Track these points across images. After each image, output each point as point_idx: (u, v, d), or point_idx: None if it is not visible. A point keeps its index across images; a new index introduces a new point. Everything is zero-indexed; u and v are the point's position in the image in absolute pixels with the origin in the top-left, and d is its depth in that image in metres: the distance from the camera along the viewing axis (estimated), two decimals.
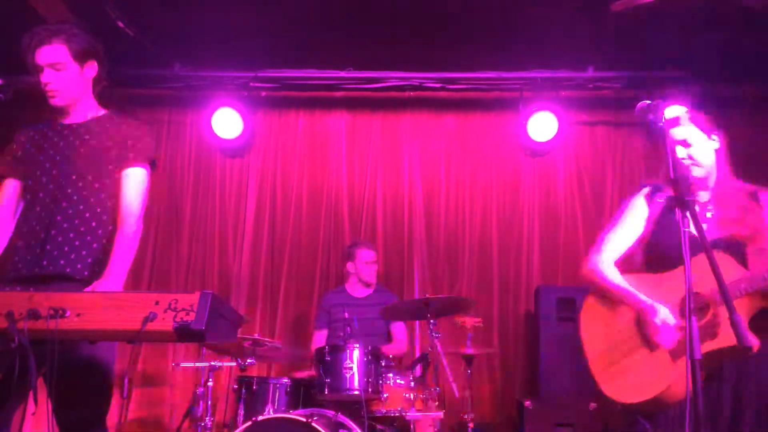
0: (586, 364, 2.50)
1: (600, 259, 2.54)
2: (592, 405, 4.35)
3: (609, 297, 2.49)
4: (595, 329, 2.52)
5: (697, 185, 2.45)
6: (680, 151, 2.40)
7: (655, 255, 2.48)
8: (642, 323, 2.34)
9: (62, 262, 2.32)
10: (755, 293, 2.16)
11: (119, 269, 2.32)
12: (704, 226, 2.35)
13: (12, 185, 2.51)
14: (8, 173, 2.53)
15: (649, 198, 2.56)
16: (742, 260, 2.27)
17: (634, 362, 2.34)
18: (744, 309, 2.13)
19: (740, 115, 5.25)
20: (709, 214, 2.44)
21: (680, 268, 2.25)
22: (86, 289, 2.21)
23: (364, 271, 4.73)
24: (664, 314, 2.26)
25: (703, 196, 2.48)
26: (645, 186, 2.64)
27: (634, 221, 2.56)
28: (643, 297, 2.34)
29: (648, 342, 2.32)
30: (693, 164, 2.41)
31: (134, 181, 2.48)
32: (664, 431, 2.23)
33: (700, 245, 2.22)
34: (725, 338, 2.13)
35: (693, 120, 2.44)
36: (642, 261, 2.56)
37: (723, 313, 2.14)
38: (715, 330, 2.17)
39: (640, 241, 2.55)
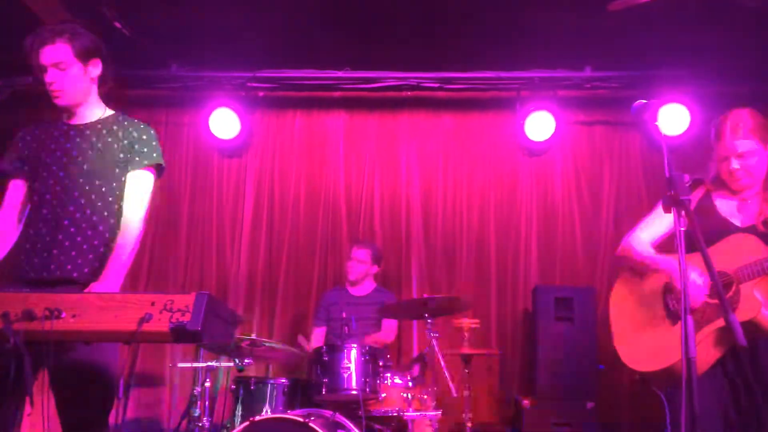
0: (610, 339, 2.63)
1: (635, 236, 2.63)
2: (590, 404, 4.35)
3: (640, 271, 2.60)
4: (622, 305, 2.65)
5: (744, 187, 2.51)
6: (734, 162, 2.44)
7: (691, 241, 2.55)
8: (668, 293, 2.46)
9: (69, 266, 2.31)
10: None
11: (117, 271, 2.31)
12: (739, 216, 2.50)
13: (18, 186, 2.50)
14: (14, 174, 2.51)
15: (691, 188, 2.58)
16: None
17: (654, 333, 2.47)
18: (760, 283, 2.28)
19: None
20: (743, 208, 2.52)
21: (713, 247, 2.36)
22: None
23: (346, 265, 4.79)
24: (694, 276, 2.34)
25: (748, 192, 2.55)
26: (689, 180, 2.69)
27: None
28: (667, 259, 2.44)
29: (671, 314, 2.43)
30: (745, 176, 2.46)
31: (139, 184, 2.47)
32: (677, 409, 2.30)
33: (726, 231, 2.42)
34: (743, 312, 2.26)
35: (754, 131, 2.45)
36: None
37: (745, 289, 2.31)
38: (734, 305, 2.29)
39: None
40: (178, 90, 5.43)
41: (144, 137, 2.51)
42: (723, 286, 2.26)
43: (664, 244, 2.64)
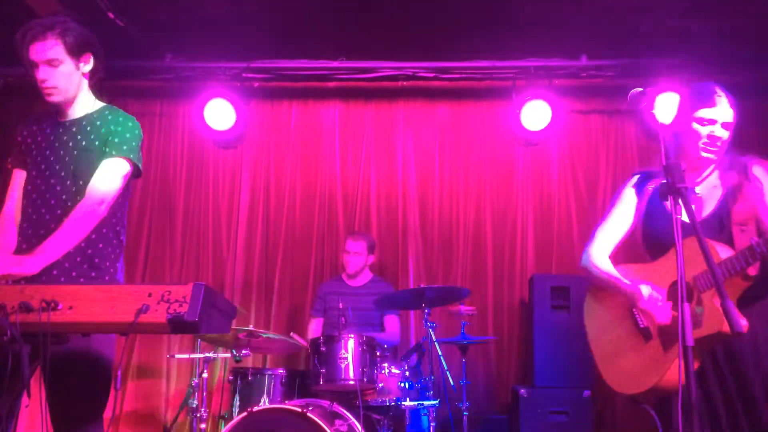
0: (592, 359, 2.55)
1: (591, 252, 2.57)
2: (586, 393, 4.37)
3: (603, 289, 2.53)
4: (595, 323, 2.58)
5: (704, 167, 2.42)
6: (703, 130, 2.35)
7: (648, 243, 2.50)
8: (636, 309, 2.36)
9: (55, 272, 2.25)
10: (738, 274, 2.14)
11: (53, 249, 2.18)
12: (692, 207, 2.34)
13: (22, 176, 2.47)
14: (18, 165, 2.50)
15: (638, 187, 2.56)
16: (729, 239, 2.26)
17: (630, 353, 2.37)
18: (730, 290, 2.07)
19: (735, 102, 5.26)
20: (698, 190, 2.41)
21: (668, 254, 2.30)
22: (9, 256, 2.18)
23: (344, 259, 4.79)
24: (647, 292, 2.28)
25: (695, 174, 2.44)
26: (635, 174, 2.64)
27: (623, 211, 2.58)
28: (626, 281, 2.37)
29: (642, 331, 2.34)
30: (713, 149, 2.36)
31: (108, 167, 2.37)
32: (669, 420, 2.24)
33: (688, 230, 2.22)
34: (710, 325, 2.13)
35: (729, 101, 2.39)
36: (643, 248, 2.58)
37: (707, 299, 2.17)
38: (699, 318, 2.17)
39: (633, 230, 2.56)
40: (172, 81, 5.40)
41: (120, 129, 2.42)
42: (687, 297, 2.17)
43: (625, 249, 2.63)
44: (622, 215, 2.58)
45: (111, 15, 4.52)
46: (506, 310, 5.26)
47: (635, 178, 2.61)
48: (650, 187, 2.52)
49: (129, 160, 2.41)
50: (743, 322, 1.95)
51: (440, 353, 3.86)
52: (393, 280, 5.18)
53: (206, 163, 5.58)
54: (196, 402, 3.94)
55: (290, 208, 5.49)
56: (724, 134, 2.36)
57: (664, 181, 1.92)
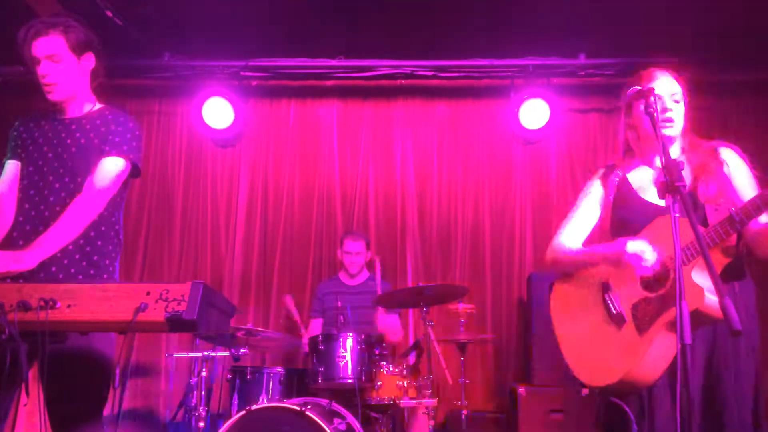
0: (560, 353, 2.47)
1: (559, 241, 2.54)
2: (585, 391, 4.37)
3: (575, 271, 2.47)
4: (564, 315, 2.51)
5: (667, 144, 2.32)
6: (668, 102, 2.30)
7: (617, 229, 2.42)
8: (608, 292, 2.29)
9: (53, 269, 2.26)
10: (717, 246, 2.07)
11: (48, 244, 2.19)
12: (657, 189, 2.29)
13: (16, 166, 2.47)
14: (12, 156, 2.49)
15: (604, 179, 2.51)
16: (703, 218, 2.20)
17: (602, 343, 2.29)
18: (695, 265, 2.08)
19: (732, 102, 5.28)
20: None
21: (638, 235, 2.23)
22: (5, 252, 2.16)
23: (345, 260, 4.78)
24: (632, 247, 2.16)
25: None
26: (600, 170, 2.58)
27: (590, 204, 2.54)
28: (604, 247, 2.32)
29: (614, 318, 2.25)
30: (670, 124, 2.30)
31: (105, 166, 2.38)
32: (641, 412, 2.15)
33: (658, 211, 2.23)
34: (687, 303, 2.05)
35: (673, 77, 2.35)
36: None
37: (684, 275, 2.05)
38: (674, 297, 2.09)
39: (602, 224, 2.51)
40: (170, 79, 5.40)
41: (120, 129, 2.44)
42: (657, 279, 2.16)
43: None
44: (589, 207, 2.54)
45: (109, 14, 4.52)
46: (504, 308, 5.26)
47: (600, 172, 2.57)
48: (615, 178, 2.47)
49: (128, 159, 2.42)
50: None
51: (439, 351, 3.86)
52: (391, 278, 5.18)
53: (204, 161, 5.57)
54: (194, 400, 3.94)
55: (288, 206, 5.49)
56: (676, 106, 2.32)
57: (663, 179, 1.90)
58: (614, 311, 2.26)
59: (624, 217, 2.39)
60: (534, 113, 5.15)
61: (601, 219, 2.51)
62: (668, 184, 1.86)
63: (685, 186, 1.84)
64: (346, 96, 5.61)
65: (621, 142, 2.50)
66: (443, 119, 5.56)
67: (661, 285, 2.15)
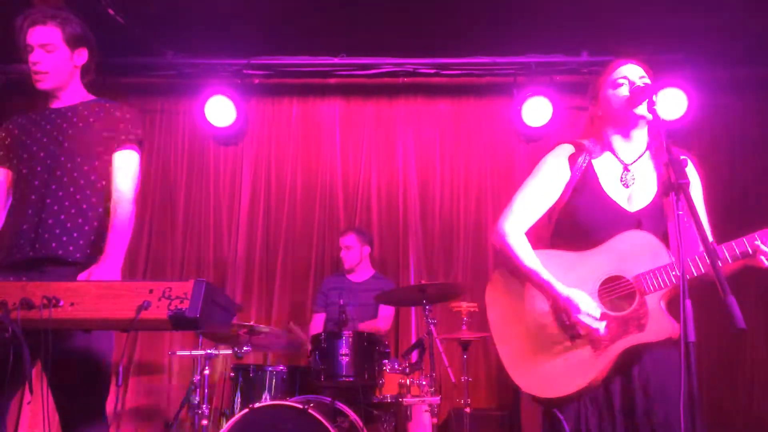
0: (496, 352, 2.21)
1: (510, 230, 2.19)
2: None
3: (519, 277, 2.20)
4: (504, 313, 2.24)
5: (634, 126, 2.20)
6: (623, 90, 2.18)
7: (570, 226, 2.20)
8: (559, 312, 2.07)
9: (54, 245, 2.32)
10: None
11: (116, 253, 2.32)
12: (627, 192, 2.17)
13: (2, 174, 2.51)
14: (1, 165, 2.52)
15: (572, 159, 2.23)
16: (664, 235, 2.06)
17: (553, 355, 2.07)
18: (666, 295, 1.98)
19: (736, 99, 5.27)
20: (632, 182, 2.18)
21: (602, 246, 2.08)
22: (82, 274, 2.22)
23: (341, 255, 4.79)
24: (586, 307, 2.00)
25: (629, 153, 2.22)
26: (565, 143, 2.30)
27: (550, 185, 2.23)
28: (558, 287, 2.05)
29: (567, 328, 2.05)
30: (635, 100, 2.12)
31: (125, 164, 2.48)
32: (577, 418, 2.03)
33: (629, 221, 2.09)
34: (654, 332, 1.96)
35: (637, 64, 2.26)
36: (553, 231, 2.27)
37: (652, 302, 1.97)
38: (642, 321, 1.97)
39: (554, 207, 2.24)
40: (173, 78, 5.41)
41: (126, 116, 2.52)
42: (624, 296, 2.03)
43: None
44: (549, 188, 2.22)
45: (111, 12, 4.52)
46: None
47: (568, 149, 2.27)
48: (581, 161, 2.21)
49: (137, 147, 2.53)
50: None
51: (441, 349, 3.86)
52: (394, 276, 5.18)
53: (207, 159, 5.58)
54: (197, 398, 3.95)
55: (291, 204, 5.48)
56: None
57: (666, 178, 1.88)
58: (568, 323, 2.04)
59: (583, 218, 2.17)
60: (536, 111, 5.15)
61: (557, 203, 2.23)
62: (671, 183, 1.83)
63: (689, 184, 1.81)
64: (348, 94, 5.61)
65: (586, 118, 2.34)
66: (445, 117, 5.56)
67: (624, 307, 2.03)
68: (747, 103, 5.28)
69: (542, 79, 5.17)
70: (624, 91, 2.18)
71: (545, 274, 2.09)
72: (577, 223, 2.18)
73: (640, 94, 2.11)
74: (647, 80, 2.20)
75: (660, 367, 1.99)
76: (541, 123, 5.18)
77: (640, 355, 2.00)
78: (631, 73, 2.22)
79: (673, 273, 1.96)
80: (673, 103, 4.90)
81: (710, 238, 1.94)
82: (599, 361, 2.00)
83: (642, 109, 2.11)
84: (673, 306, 1.96)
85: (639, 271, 2.01)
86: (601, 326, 1.99)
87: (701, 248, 1.91)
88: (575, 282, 2.07)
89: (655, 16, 4.56)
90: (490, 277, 2.34)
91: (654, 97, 2.07)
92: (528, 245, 2.18)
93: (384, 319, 4.61)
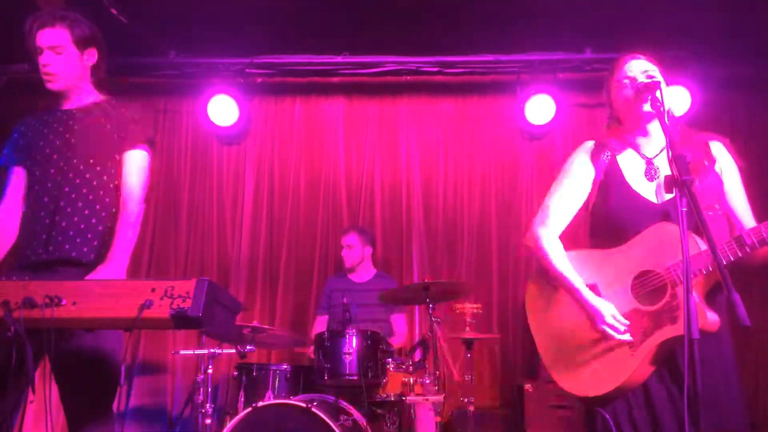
0: (538, 357, 2.29)
1: (544, 234, 2.27)
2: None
3: (551, 281, 2.26)
4: (543, 318, 2.31)
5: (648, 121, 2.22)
6: (627, 90, 2.24)
7: (603, 224, 2.24)
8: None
9: (67, 246, 2.33)
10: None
11: (122, 253, 2.34)
12: (652, 185, 2.18)
13: (18, 174, 2.52)
14: (11, 162, 2.53)
15: (595, 156, 2.29)
16: (695, 225, 1.97)
17: (590, 355, 2.12)
18: (700, 287, 1.96)
19: (741, 95, 5.25)
20: (656, 175, 2.20)
21: (632, 241, 2.10)
22: (91, 274, 2.23)
23: (342, 254, 4.78)
24: (610, 319, 2.05)
25: (650, 147, 2.24)
26: (587, 141, 2.38)
27: (578, 184, 2.29)
28: (586, 295, 2.11)
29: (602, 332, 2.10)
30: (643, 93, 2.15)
31: (135, 164, 2.49)
32: (621, 416, 2.05)
33: (657, 213, 2.10)
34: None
35: (646, 59, 2.30)
36: (590, 230, 2.31)
37: (682, 294, 1.91)
38: (674, 314, 1.97)
39: (585, 206, 2.29)
40: (175, 77, 5.41)
41: (136, 116, 2.53)
42: (654, 290, 2.04)
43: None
44: (578, 187, 2.28)
45: (114, 11, 4.52)
46: (511, 304, 5.25)
47: (589, 145, 2.34)
48: (605, 157, 2.27)
49: (147, 147, 2.53)
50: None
51: (445, 348, 3.85)
52: (397, 275, 5.18)
53: (210, 159, 5.58)
54: (201, 397, 3.95)
55: (294, 203, 5.49)
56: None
57: (669, 174, 1.87)
58: (596, 331, 2.10)
59: (612, 214, 2.20)
60: (540, 108, 5.14)
61: (587, 201, 2.28)
62: (675, 179, 1.82)
63: (692, 181, 1.80)
64: (352, 92, 5.60)
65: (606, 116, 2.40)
66: (449, 115, 5.55)
67: (656, 299, 2.03)
68: (751, 100, 5.25)
69: (545, 76, 5.16)
70: (628, 91, 2.24)
71: (576, 282, 2.15)
72: (608, 219, 2.21)
73: (643, 91, 2.14)
74: (653, 73, 2.22)
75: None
76: (544, 121, 5.17)
77: (677, 348, 2.00)
78: (635, 69, 2.26)
79: (704, 263, 1.93)
80: (677, 100, 4.89)
81: (752, 222, 2.07)
82: (635, 358, 2.03)
83: (648, 106, 2.14)
84: (709, 298, 1.99)
85: (669, 264, 2.01)
86: (625, 337, 2.04)
87: (728, 236, 1.96)
88: (610, 279, 2.12)
89: (659, 13, 4.54)
90: (525, 287, 2.43)
91: (657, 93, 2.07)
92: (561, 249, 2.23)
93: (400, 335, 4.65)
